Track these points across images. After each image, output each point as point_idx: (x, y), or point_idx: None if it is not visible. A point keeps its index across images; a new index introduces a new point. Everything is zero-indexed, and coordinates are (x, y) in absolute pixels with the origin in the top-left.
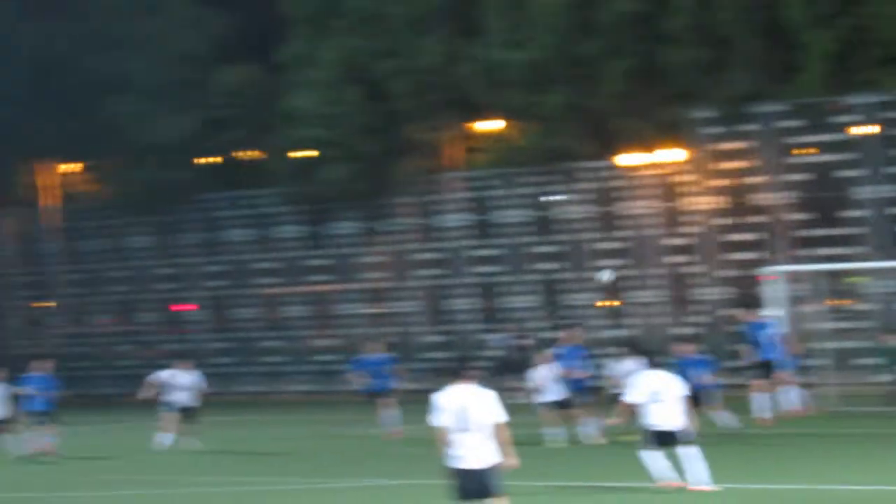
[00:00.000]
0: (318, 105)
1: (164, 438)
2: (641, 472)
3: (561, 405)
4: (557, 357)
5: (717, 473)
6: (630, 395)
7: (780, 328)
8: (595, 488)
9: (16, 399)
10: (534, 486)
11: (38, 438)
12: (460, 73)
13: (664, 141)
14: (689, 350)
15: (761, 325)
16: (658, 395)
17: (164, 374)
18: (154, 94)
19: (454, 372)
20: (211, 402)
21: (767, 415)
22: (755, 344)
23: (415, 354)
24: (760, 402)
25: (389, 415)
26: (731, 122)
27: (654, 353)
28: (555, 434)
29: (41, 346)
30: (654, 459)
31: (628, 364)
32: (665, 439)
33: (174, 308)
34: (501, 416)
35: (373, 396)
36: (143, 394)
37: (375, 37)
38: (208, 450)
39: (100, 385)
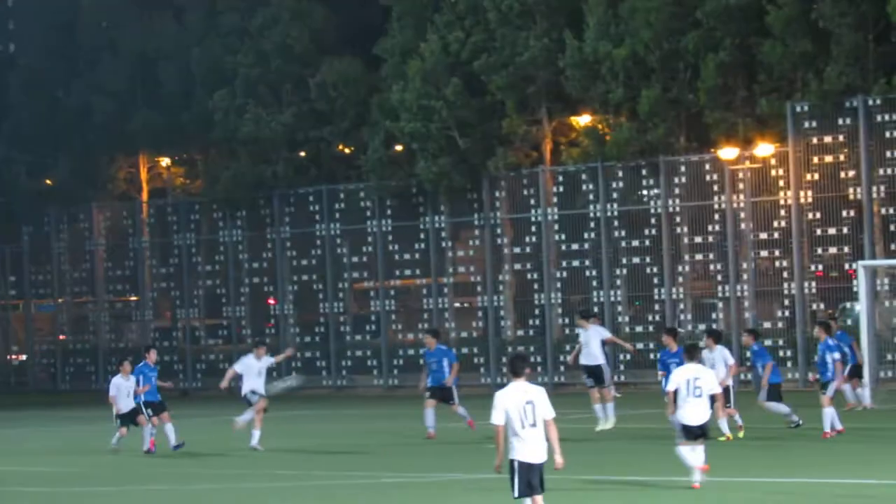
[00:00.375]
0: (416, 98)
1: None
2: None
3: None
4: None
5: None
6: (670, 386)
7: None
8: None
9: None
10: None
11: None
12: (558, 67)
13: (760, 135)
14: (749, 342)
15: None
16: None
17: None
18: (254, 87)
19: (512, 370)
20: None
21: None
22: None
23: (502, 349)
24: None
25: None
26: (828, 115)
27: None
28: None
29: (127, 340)
30: (687, 453)
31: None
32: (695, 433)
33: (268, 302)
34: (552, 412)
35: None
36: (223, 383)
37: (474, 30)
38: (294, 445)
39: (185, 379)
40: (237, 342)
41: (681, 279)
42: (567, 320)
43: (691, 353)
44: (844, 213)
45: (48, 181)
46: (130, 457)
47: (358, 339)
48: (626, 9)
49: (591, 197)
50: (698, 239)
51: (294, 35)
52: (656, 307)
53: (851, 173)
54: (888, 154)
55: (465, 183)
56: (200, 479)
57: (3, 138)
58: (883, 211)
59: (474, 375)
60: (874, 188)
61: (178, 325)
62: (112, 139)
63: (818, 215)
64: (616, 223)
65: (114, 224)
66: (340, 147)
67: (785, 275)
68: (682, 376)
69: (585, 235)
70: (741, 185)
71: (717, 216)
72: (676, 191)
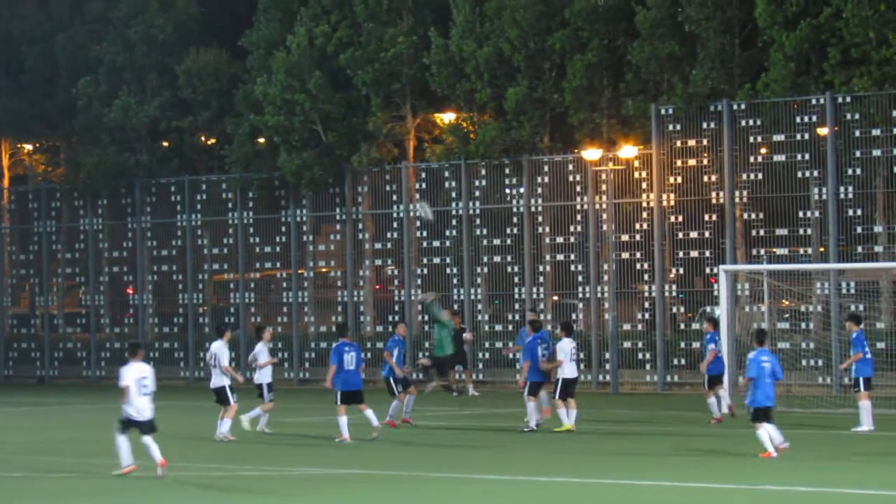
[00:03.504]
0: (280, 91)
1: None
2: None
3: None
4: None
5: None
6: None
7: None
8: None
9: None
10: None
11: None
12: (424, 63)
13: (624, 136)
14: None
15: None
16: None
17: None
18: (119, 75)
19: None
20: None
21: None
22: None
23: (360, 343)
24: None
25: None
26: (693, 119)
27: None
28: None
29: None
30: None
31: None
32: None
33: (127, 291)
34: None
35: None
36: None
37: (341, 24)
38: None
39: (42, 367)
40: (95, 331)
41: (541, 279)
42: (425, 317)
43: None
44: (707, 217)
45: None
46: None
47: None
48: (493, 7)
49: (453, 194)
50: (560, 239)
51: (159, 24)
52: (516, 306)
53: (714, 177)
54: (751, 159)
55: (327, 177)
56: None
57: None
58: (745, 216)
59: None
60: (737, 192)
61: (35, 313)
62: None
63: (680, 218)
64: (478, 221)
65: None
66: (203, 138)
67: (646, 277)
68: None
69: (447, 233)
70: (604, 187)
71: (579, 217)
72: (539, 190)
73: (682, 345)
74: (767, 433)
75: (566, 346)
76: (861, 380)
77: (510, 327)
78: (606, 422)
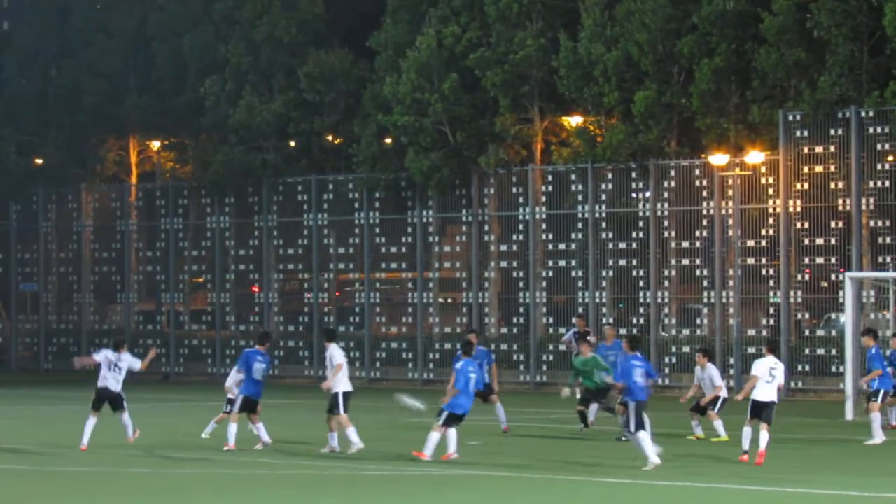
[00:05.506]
0: (409, 92)
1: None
2: None
3: None
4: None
5: None
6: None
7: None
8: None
9: None
10: None
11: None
12: (552, 66)
13: (751, 141)
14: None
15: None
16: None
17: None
18: (245, 75)
19: None
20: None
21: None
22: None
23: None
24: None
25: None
26: (820, 125)
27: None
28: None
29: (111, 322)
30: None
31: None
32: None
33: (252, 290)
34: None
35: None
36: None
37: (470, 26)
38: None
39: (168, 364)
40: (221, 329)
41: (666, 283)
42: (551, 319)
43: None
44: (833, 224)
45: (38, 160)
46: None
47: (342, 329)
48: (622, 11)
49: (579, 197)
50: (685, 244)
51: (283, 25)
52: (641, 310)
53: (841, 184)
54: (878, 166)
55: (454, 178)
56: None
57: None
58: (871, 223)
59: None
60: (863, 200)
61: (161, 310)
62: (103, 121)
63: (806, 225)
64: (604, 224)
65: (102, 206)
66: (330, 138)
67: (771, 283)
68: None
69: (572, 236)
70: (730, 192)
71: (705, 221)
72: (665, 195)
73: (807, 351)
74: None
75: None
76: (881, 392)
77: (635, 331)
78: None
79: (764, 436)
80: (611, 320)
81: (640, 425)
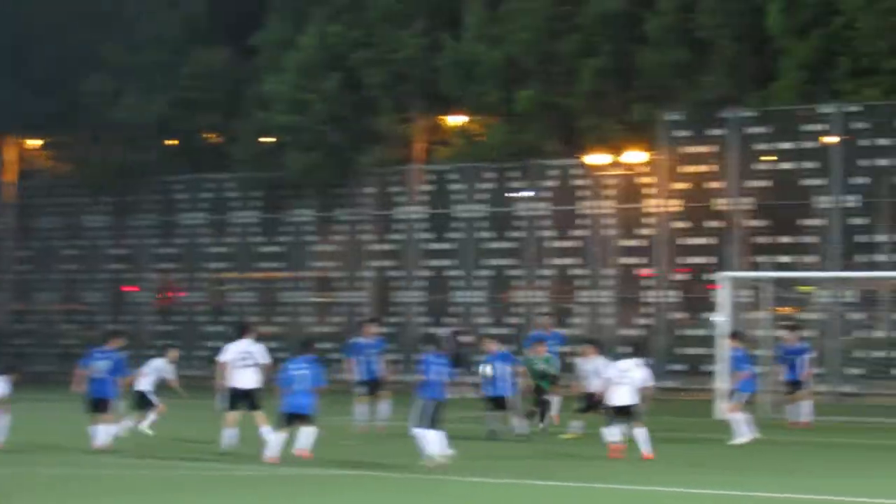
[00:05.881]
0: (290, 91)
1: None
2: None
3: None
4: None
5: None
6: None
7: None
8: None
9: None
10: None
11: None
12: (435, 66)
13: (631, 141)
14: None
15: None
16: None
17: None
18: (126, 73)
19: None
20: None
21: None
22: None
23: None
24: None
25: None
26: (700, 125)
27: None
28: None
29: None
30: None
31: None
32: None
33: (123, 289)
34: None
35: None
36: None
37: (353, 26)
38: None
39: (40, 363)
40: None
41: (543, 283)
42: (428, 319)
43: None
44: (710, 224)
45: None
46: None
47: (219, 329)
48: (505, 11)
49: (458, 197)
50: (563, 243)
51: (166, 23)
52: (521, 309)
53: (719, 184)
54: (757, 166)
55: (333, 177)
56: None
57: None
58: (748, 223)
59: (330, 371)
60: (741, 200)
61: (35, 309)
62: None
63: (685, 224)
64: (482, 224)
65: None
66: (209, 136)
67: (648, 283)
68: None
69: (450, 235)
70: (609, 192)
71: (582, 221)
72: (544, 194)
73: (681, 351)
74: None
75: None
76: (744, 394)
77: (508, 330)
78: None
79: (639, 433)
80: (488, 319)
81: (431, 424)
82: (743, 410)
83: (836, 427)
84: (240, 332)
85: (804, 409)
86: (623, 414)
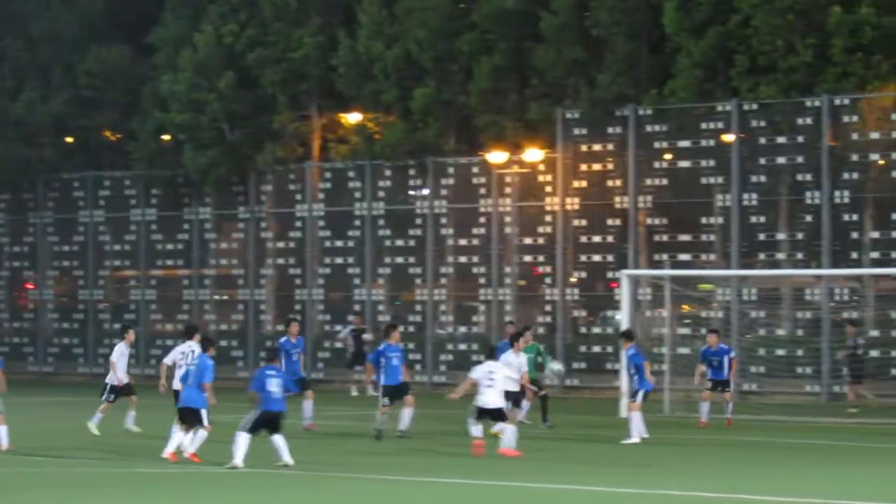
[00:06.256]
0: (186, 90)
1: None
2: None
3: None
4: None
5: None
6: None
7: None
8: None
9: None
10: None
11: None
12: (331, 64)
13: (530, 139)
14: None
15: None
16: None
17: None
18: (24, 70)
19: None
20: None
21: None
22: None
23: (261, 343)
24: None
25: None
26: (598, 123)
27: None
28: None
29: None
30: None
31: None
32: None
33: (24, 286)
34: None
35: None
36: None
37: (249, 23)
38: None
39: None
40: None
41: (443, 280)
42: (328, 317)
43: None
44: (610, 222)
45: None
46: None
47: (117, 326)
48: (401, 9)
49: (357, 195)
50: (463, 241)
51: (63, 20)
52: (417, 307)
53: (618, 182)
54: (655, 164)
55: (231, 175)
56: None
57: None
58: (648, 221)
59: (231, 368)
60: (640, 198)
61: None
62: None
63: (583, 222)
64: (381, 222)
65: None
66: (108, 134)
67: (548, 280)
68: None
69: (350, 233)
70: (508, 189)
71: (482, 219)
72: (443, 192)
73: (583, 348)
74: None
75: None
76: (641, 392)
77: (410, 328)
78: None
79: (507, 430)
80: (388, 317)
81: (254, 429)
82: (641, 410)
83: (740, 425)
84: (188, 333)
85: (728, 408)
86: (489, 415)
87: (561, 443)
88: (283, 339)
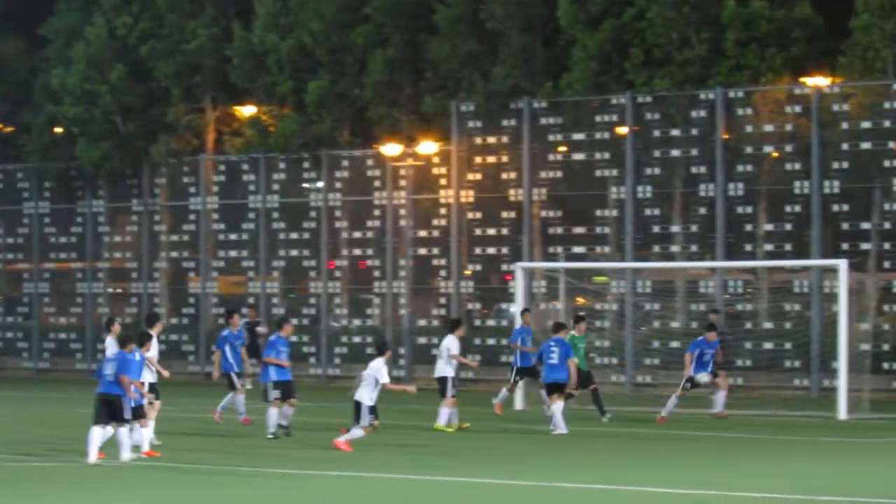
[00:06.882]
0: (79, 82)
1: None
2: None
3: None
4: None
5: None
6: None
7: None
8: None
9: None
10: None
11: None
12: (226, 56)
13: (424, 132)
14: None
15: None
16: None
17: None
18: None
19: None
20: None
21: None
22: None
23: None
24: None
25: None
26: (493, 116)
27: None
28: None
29: None
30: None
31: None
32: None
33: None
34: None
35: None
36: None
37: (142, 16)
38: None
39: None
40: None
41: (338, 273)
42: (221, 310)
43: None
44: (504, 214)
45: None
46: None
47: (10, 320)
48: (296, 0)
49: (251, 188)
50: (357, 234)
51: None
52: (311, 300)
53: (513, 175)
54: (550, 157)
55: (125, 168)
56: None
57: None
58: (542, 213)
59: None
60: (535, 190)
61: None
62: None
63: (479, 215)
64: (276, 215)
65: None
66: (0, 127)
67: (443, 273)
68: None
69: (244, 226)
70: (403, 182)
71: (377, 212)
72: (338, 185)
73: (478, 341)
74: None
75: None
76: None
77: (304, 321)
78: (407, 413)
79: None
80: (282, 310)
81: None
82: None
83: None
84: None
85: (718, 401)
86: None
87: (455, 436)
88: (225, 332)
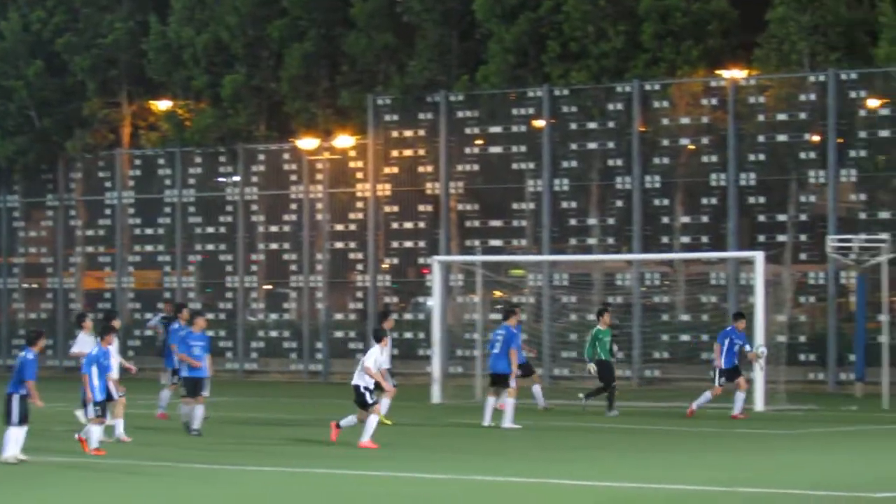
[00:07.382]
0: None
1: None
2: None
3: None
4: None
5: None
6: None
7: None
8: None
9: None
10: None
11: None
12: (142, 50)
13: (341, 126)
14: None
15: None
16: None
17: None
18: None
19: None
20: None
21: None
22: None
23: (71, 331)
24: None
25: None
26: (409, 109)
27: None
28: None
29: None
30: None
31: None
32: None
33: None
34: None
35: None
36: None
37: (57, 10)
38: None
39: None
40: None
41: (254, 268)
42: (137, 305)
43: None
44: (421, 208)
45: None
46: None
47: None
48: None
49: (167, 182)
50: (274, 228)
51: None
52: (228, 295)
53: (430, 168)
54: (467, 150)
55: (40, 163)
56: None
57: None
58: (459, 207)
59: (41, 357)
60: (452, 184)
61: None
62: None
63: (395, 209)
64: (192, 209)
65: None
66: None
67: (359, 267)
68: None
69: (160, 220)
70: (319, 176)
71: (293, 206)
72: (254, 179)
73: (395, 335)
74: None
75: None
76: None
77: (221, 316)
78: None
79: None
80: (199, 305)
81: (21, 421)
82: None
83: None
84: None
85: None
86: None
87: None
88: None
